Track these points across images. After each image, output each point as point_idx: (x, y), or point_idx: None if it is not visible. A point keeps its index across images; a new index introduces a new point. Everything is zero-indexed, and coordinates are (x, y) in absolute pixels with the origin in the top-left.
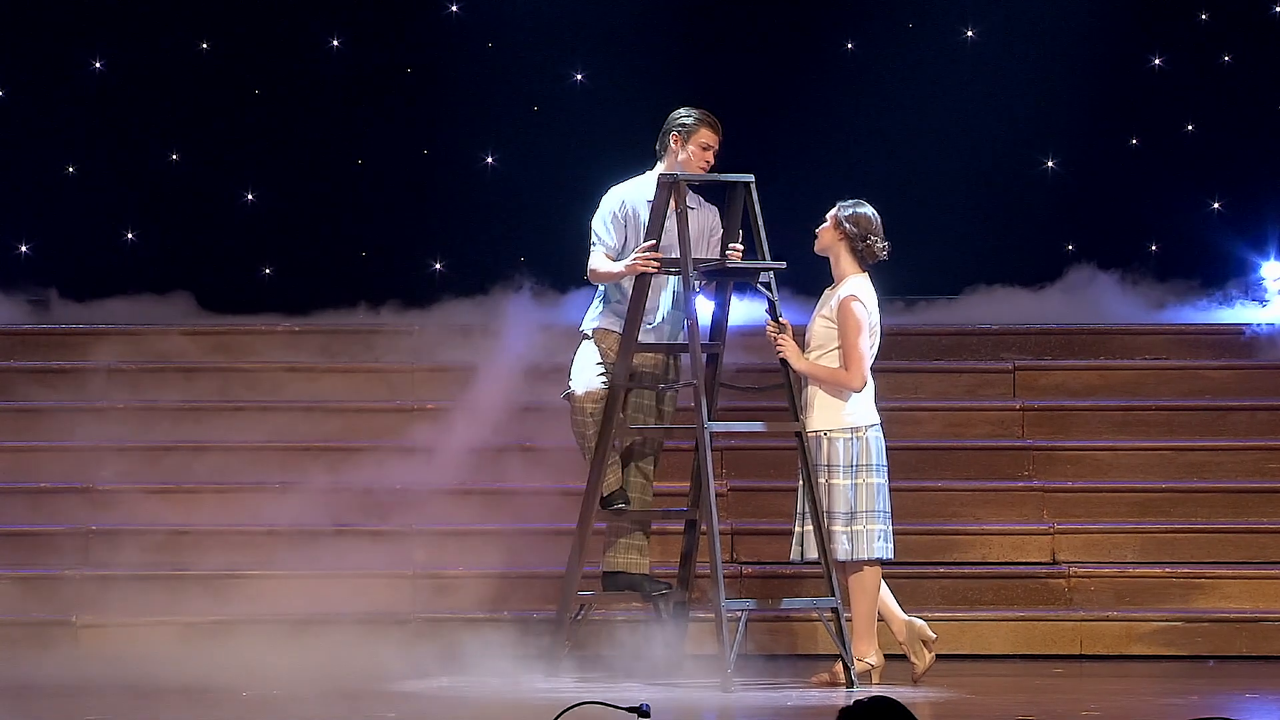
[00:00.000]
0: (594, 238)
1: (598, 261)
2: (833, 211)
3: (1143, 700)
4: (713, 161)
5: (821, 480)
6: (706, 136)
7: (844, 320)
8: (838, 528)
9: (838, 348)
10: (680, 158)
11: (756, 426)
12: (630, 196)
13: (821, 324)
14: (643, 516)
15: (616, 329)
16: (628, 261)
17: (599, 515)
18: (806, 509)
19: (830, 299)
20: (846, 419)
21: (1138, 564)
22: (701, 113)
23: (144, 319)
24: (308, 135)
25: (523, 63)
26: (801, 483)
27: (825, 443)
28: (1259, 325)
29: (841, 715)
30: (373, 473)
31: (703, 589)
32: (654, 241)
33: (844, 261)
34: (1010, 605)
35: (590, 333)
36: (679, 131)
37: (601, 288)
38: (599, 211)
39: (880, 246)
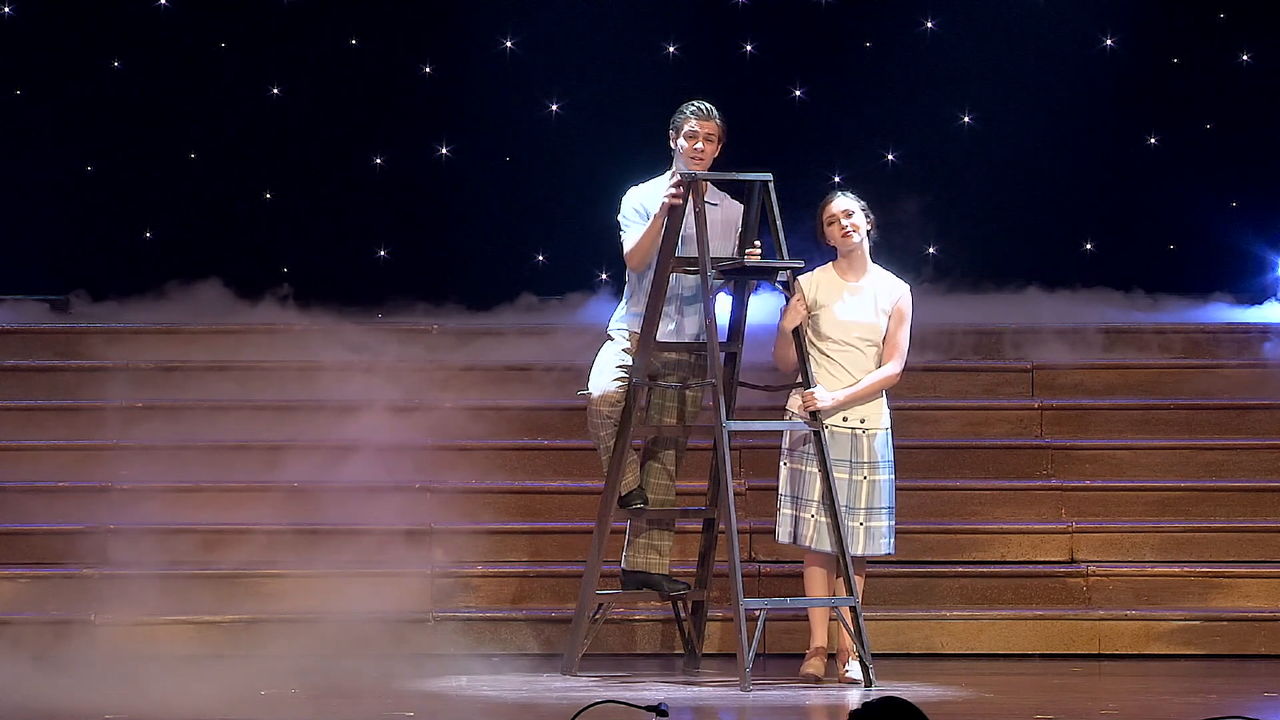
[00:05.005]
0: (623, 224)
1: (632, 235)
2: (852, 204)
3: (1161, 699)
4: (703, 148)
5: (859, 477)
6: (690, 124)
7: (902, 315)
8: (883, 523)
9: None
10: (677, 152)
11: (775, 425)
12: (646, 197)
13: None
14: (661, 515)
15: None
16: (661, 201)
17: (618, 514)
18: (787, 492)
19: (878, 291)
20: (886, 417)
21: (1156, 563)
22: (688, 103)
23: (162, 318)
24: (325, 134)
25: (543, 61)
26: (817, 475)
27: (867, 440)
28: (1278, 324)
29: (852, 717)
30: (391, 472)
31: (721, 588)
32: (678, 178)
33: (866, 250)
34: (1028, 604)
35: (614, 334)
36: (672, 127)
37: (627, 289)
38: (622, 210)
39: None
